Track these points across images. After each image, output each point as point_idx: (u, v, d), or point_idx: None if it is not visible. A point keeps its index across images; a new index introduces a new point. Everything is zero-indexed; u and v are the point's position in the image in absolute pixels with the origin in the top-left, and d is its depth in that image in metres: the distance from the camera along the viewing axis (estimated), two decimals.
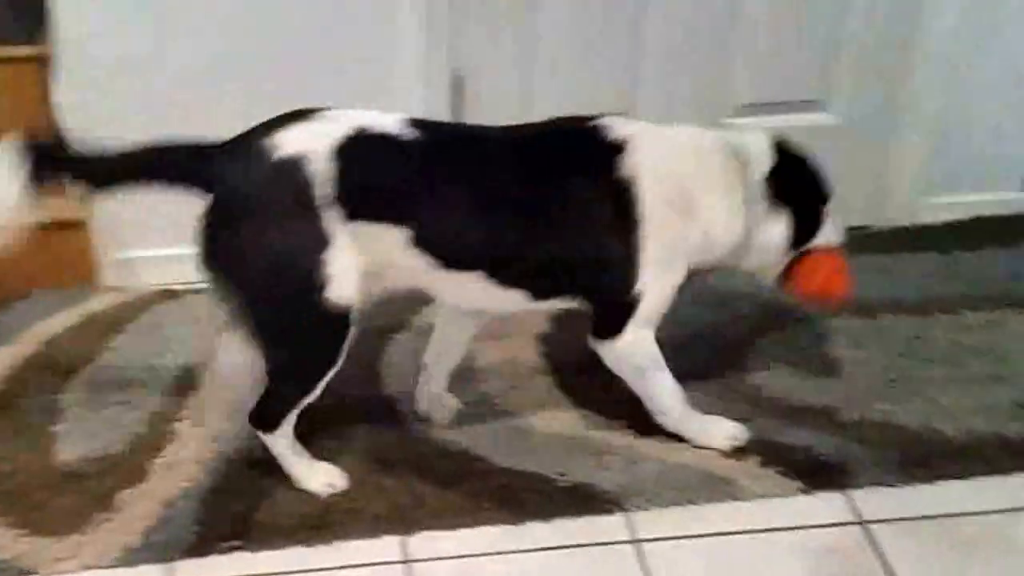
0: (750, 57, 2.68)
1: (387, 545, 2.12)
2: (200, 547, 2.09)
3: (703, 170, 2.16)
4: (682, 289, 2.20)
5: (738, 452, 2.27)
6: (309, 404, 2.16)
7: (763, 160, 2.19)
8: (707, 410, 2.33)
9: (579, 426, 2.33)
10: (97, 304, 2.64)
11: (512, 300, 2.13)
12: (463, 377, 2.42)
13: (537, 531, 2.14)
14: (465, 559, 2.10)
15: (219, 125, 2.01)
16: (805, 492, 2.22)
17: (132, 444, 2.27)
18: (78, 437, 2.28)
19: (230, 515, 2.13)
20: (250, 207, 1.96)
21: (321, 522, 2.13)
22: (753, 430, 2.30)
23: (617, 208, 2.08)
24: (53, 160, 1.99)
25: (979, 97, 2.83)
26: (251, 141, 1.98)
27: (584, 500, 2.18)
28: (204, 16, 2.49)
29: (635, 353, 2.20)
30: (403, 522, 2.14)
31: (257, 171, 1.95)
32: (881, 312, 2.63)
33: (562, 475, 2.22)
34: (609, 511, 2.17)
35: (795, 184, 2.21)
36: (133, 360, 2.48)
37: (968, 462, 2.28)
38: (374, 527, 2.13)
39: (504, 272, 2.09)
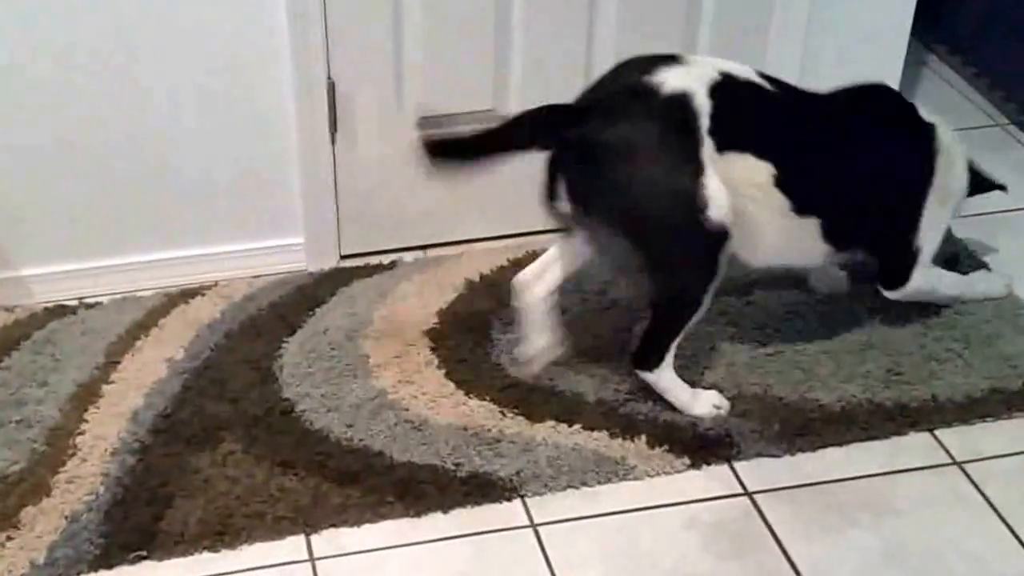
0: (611, 51, 2.69)
1: (292, 545, 2.14)
2: (106, 559, 2.10)
3: (959, 168, 2.55)
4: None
5: (627, 433, 2.33)
6: (209, 411, 2.15)
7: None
8: (597, 391, 2.39)
9: (472, 417, 2.36)
10: None
11: (821, 253, 2.41)
12: (356, 374, 2.45)
13: (438, 522, 2.18)
14: (369, 553, 2.13)
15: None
16: (693, 468, 2.29)
17: (33, 461, 2.26)
18: None
19: (134, 526, 2.14)
20: (640, 142, 2.14)
21: (225, 527, 2.15)
22: (640, 410, 2.37)
23: (924, 175, 2.45)
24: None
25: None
26: (628, 86, 2.19)
27: (482, 489, 2.23)
28: (68, 22, 2.45)
29: (922, 290, 2.56)
30: (306, 521, 2.17)
31: (647, 108, 2.15)
32: (755, 288, 2.69)
33: (459, 465, 2.26)
34: (507, 498, 2.22)
35: None
36: (28, 378, 2.45)
37: (845, 429, 2.36)
38: (278, 528, 2.16)
39: (835, 222, 2.35)
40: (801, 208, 2.28)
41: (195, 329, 2.59)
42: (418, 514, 2.19)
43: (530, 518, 2.19)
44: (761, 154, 2.22)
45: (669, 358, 2.34)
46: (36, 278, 2.68)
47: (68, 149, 2.57)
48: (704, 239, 2.19)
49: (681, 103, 2.15)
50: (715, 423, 2.35)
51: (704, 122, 2.16)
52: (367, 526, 2.17)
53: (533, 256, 2.73)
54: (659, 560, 2.13)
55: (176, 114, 2.58)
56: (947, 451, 2.33)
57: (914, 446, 2.35)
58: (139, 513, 2.17)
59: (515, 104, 2.71)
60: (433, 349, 2.53)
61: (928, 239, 2.50)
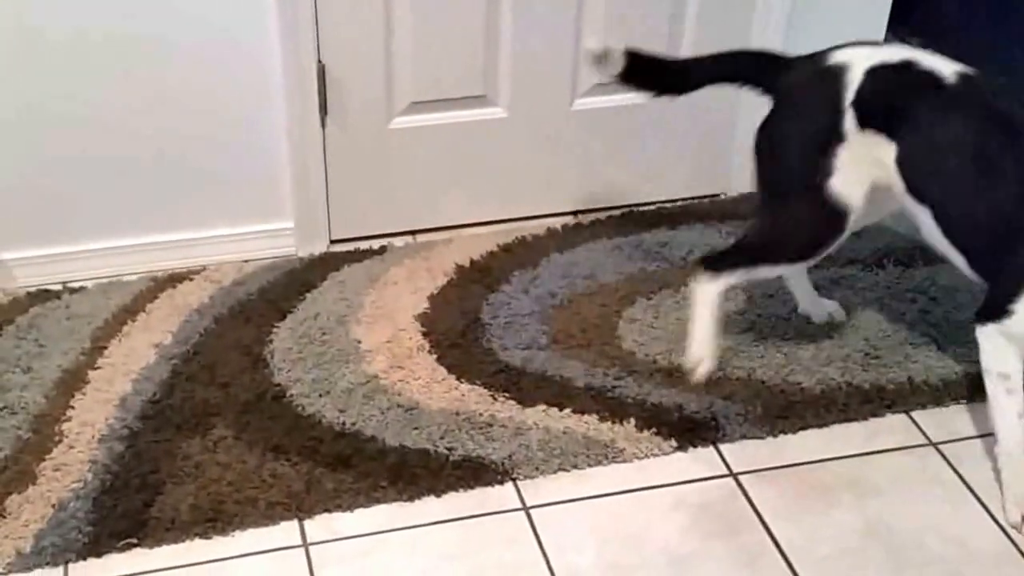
0: (600, 37, 2.50)
1: (285, 531, 2.02)
2: (95, 547, 1.96)
3: None
4: None
5: (616, 416, 2.22)
6: (199, 397, 2.02)
7: None
8: (586, 376, 2.28)
9: (464, 401, 2.24)
10: None
11: (954, 256, 2.16)
12: (348, 359, 2.32)
13: (431, 506, 2.08)
14: (362, 538, 2.02)
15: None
16: (680, 450, 2.20)
17: (18, 448, 2.10)
18: None
19: (123, 513, 2.00)
20: (792, 99, 2.18)
21: (217, 514, 2.01)
22: (628, 394, 2.27)
23: None
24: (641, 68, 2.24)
25: None
26: (815, 54, 2.18)
27: (474, 472, 2.12)
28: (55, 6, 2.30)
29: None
30: (300, 506, 2.04)
31: (808, 73, 2.17)
32: None
33: (451, 450, 2.14)
34: (499, 482, 2.12)
35: None
36: (12, 364, 2.28)
37: (825, 411, 2.28)
38: (271, 514, 2.03)
39: (947, 219, 2.11)
40: (915, 193, 2.12)
41: (184, 314, 2.44)
42: (411, 498, 2.08)
43: (522, 501, 2.09)
44: (891, 135, 2.10)
45: (723, 281, 2.26)
46: (18, 262, 2.51)
47: (52, 131, 2.41)
48: (817, 206, 2.15)
49: (834, 74, 2.13)
50: (700, 407, 2.25)
51: (850, 95, 2.10)
52: (360, 511, 2.06)
53: (522, 242, 2.68)
54: (648, 540, 2.04)
55: (164, 98, 2.43)
56: (923, 432, 2.27)
57: (891, 427, 2.28)
58: (128, 500, 2.02)
59: (505, 91, 2.64)
60: (424, 334, 2.40)
61: None
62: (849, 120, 2.11)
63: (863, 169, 2.13)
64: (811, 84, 2.17)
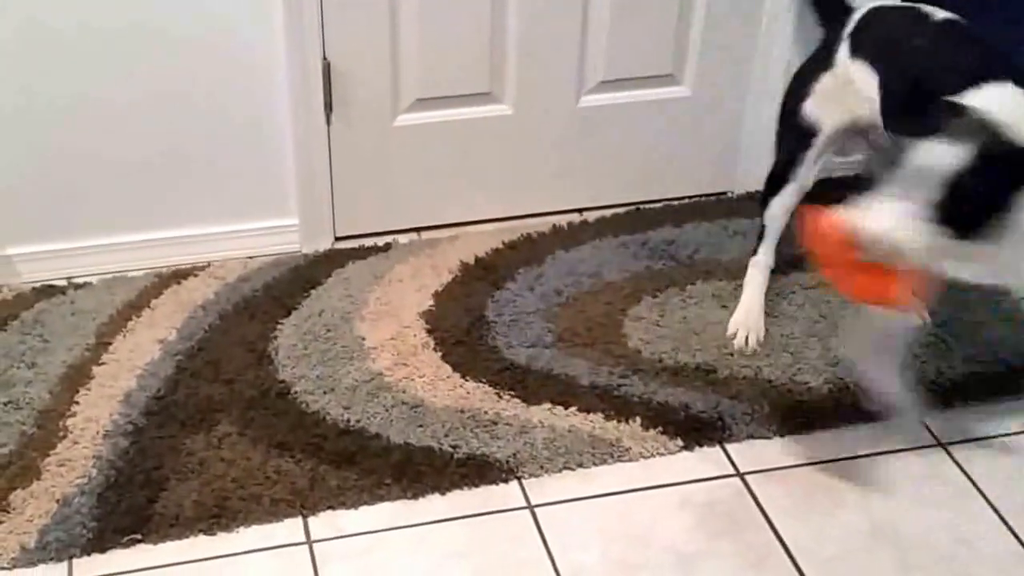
0: (606, 34, 2.60)
1: (289, 527, 2.01)
2: (99, 543, 1.95)
3: None
4: None
5: (621, 415, 2.20)
6: (203, 393, 2.01)
7: None
8: (591, 374, 2.27)
9: (469, 399, 2.23)
10: None
11: None
12: (352, 356, 2.31)
13: (435, 503, 2.07)
14: (366, 535, 2.01)
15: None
16: (686, 449, 2.19)
17: (23, 443, 2.09)
18: None
19: (128, 509, 2.00)
20: (820, 44, 2.37)
21: (221, 510, 2.00)
22: (634, 392, 2.25)
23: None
24: None
25: None
26: None
27: (478, 470, 2.10)
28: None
29: None
30: (304, 503, 2.03)
31: (836, 19, 2.35)
32: (742, 274, 2.55)
33: (456, 447, 2.13)
34: (504, 480, 2.10)
35: None
36: (17, 359, 2.28)
37: (832, 411, 2.26)
38: (275, 511, 2.02)
39: None
40: (888, 127, 2.15)
41: (188, 310, 2.43)
42: (415, 496, 2.07)
43: (527, 499, 2.08)
44: (871, 60, 2.21)
45: (762, 250, 2.45)
46: (22, 257, 2.51)
47: (57, 127, 2.40)
48: (790, 125, 2.34)
49: (847, 11, 2.31)
50: (706, 406, 2.23)
51: (849, 28, 2.26)
52: (364, 508, 2.05)
53: (527, 240, 2.66)
54: (653, 539, 2.03)
55: (169, 94, 2.42)
56: (932, 433, 2.25)
57: (900, 428, 2.24)
58: (133, 496, 2.01)
59: (511, 88, 2.63)
60: (429, 331, 2.39)
61: None
62: (843, 49, 2.25)
63: (845, 99, 2.24)
64: (830, 27, 2.36)
